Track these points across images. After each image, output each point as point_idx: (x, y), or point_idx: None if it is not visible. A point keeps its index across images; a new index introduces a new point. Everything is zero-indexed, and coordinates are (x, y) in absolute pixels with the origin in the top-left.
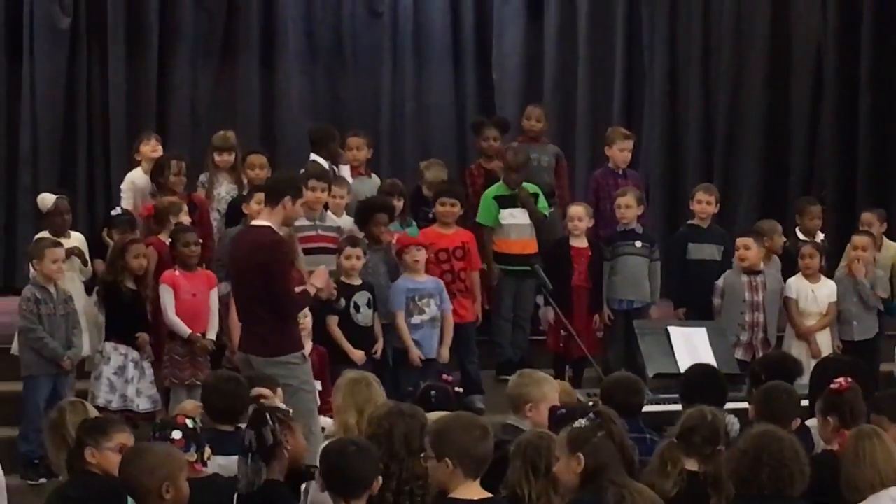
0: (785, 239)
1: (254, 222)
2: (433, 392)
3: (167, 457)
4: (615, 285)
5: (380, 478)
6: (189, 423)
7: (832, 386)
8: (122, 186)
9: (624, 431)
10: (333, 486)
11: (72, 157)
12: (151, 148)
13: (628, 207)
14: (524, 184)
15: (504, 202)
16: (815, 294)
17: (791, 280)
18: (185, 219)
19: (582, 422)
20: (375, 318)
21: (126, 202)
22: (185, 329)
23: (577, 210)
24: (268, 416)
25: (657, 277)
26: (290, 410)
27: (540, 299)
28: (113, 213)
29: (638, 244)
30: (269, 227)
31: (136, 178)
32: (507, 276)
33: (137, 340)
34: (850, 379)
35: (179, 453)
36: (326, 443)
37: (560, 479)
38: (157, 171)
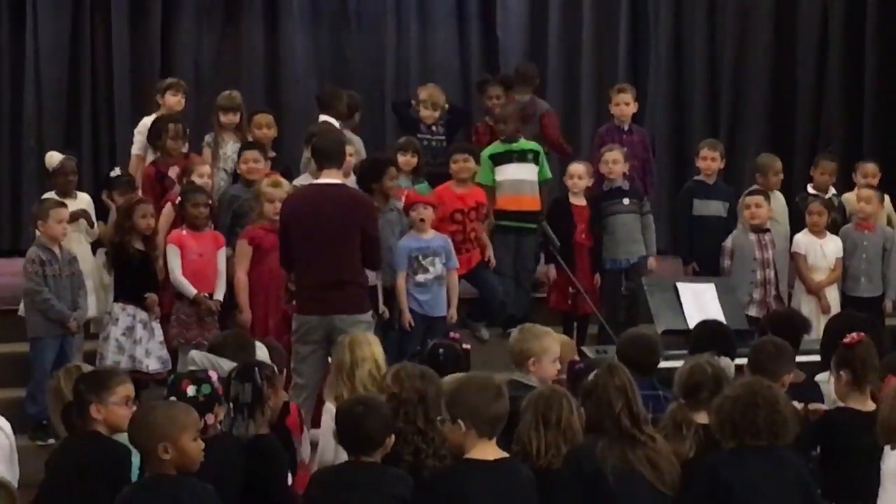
0: (799, 195)
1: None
2: (441, 350)
3: (166, 417)
4: (607, 245)
5: (392, 435)
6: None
7: (844, 341)
8: (136, 130)
9: (630, 383)
10: (345, 443)
11: (76, 118)
12: (177, 101)
13: (615, 163)
14: (524, 141)
15: (499, 159)
16: (824, 249)
17: (798, 236)
18: (199, 180)
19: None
20: (378, 278)
21: (137, 147)
22: (190, 289)
23: (577, 168)
24: (256, 372)
25: (650, 230)
26: (275, 367)
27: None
28: (112, 174)
29: (626, 201)
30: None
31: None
32: (502, 231)
33: (146, 301)
34: (861, 333)
35: (185, 414)
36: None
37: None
38: (154, 134)
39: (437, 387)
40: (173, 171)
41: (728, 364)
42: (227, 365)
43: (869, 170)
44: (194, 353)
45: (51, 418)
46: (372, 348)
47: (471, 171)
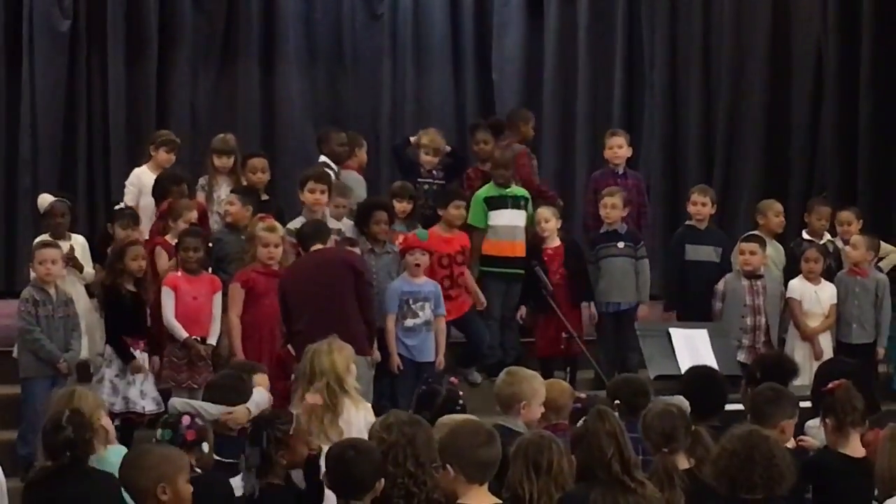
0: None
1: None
2: (438, 395)
3: (164, 458)
4: (601, 288)
5: (382, 479)
6: (198, 419)
7: (825, 388)
8: (127, 182)
9: (619, 427)
10: (335, 488)
11: (72, 159)
12: (168, 159)
13: (614, 208)
14: (514, 187)
15: (494, 203)
16: (818, 295)
17: (794, 282)
18: (184, 225)
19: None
20: None
21: (129, 198)
22: (182, 332)
23: (544, 212)
24: (264, 437)
25: (645, 275)
26: (291, 425)
27: None
28: (116, 207)
29: (621, 244)
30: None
31: (143, 174)
32: (495, 277)
33: (132, 363)
34: (842, 380)
35: (179, 455)
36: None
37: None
38: (159, 193)
39: (427, 431)
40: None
41: (683, 401)
42: (214, 409)
43: (843, 217)
44: (175, 401)
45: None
46: (333, 358)
47: (463, 219)
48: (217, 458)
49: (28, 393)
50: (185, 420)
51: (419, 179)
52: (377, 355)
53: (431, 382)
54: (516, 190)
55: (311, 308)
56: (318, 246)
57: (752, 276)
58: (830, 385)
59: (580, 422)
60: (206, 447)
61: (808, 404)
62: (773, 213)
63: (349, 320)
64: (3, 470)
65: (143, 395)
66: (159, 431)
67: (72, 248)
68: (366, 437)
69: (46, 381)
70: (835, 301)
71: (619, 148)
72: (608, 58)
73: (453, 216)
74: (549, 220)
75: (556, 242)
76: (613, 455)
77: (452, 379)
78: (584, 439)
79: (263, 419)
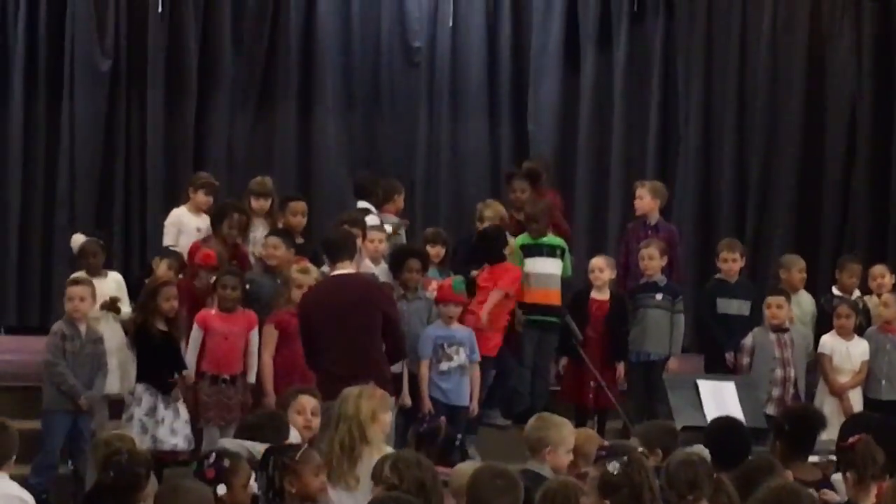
0: (823, 297)
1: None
2: (439, 434)
3: (202, 497)
4: (635, 337)
5: None
6: (225, 461)
7: (842, 444)
8: (167, 222)
9: (654, 479)
10: None
11: (109, 198)
12: (205, 201)
13: (651, 259)
14: (550, 236)
15: (528, 251)
16: (850, 351)
17: (825, 337)
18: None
19: (615, 465)
20: (404, 366)
21: (169, 238)
22: (192, 367)
23: (598, 262)
24: (271, 462)
25: (680, 329)
26: (299, 454)
27: None
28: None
29: (659, 296)
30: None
31: (182, 215)
32: (530, 325)
33: (172, 393)
34: (862, 434)
35: (210, 494)
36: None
37: None
38: (218, 216)
39: (434, 474)
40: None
41: (703, 450)
42: (261, 448)
43: (876, 271)
44: (225, 441)
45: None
46: (359, 404)
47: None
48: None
49: (48, 425)
50: (211, 457)
51: None
52: (408, 400)
53: (431, 421)
54: (552, 239)
55: (332, 341)
56: (346, 262)
57: (779, 329)
58: (851, 440)
59: (610, 466)
60: (221, 489)
61: (833, 458)
62: (797, 269)
63: (370, 361)
64: None
65: (175, 433)
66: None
67: (119, 284)
68: None
69: (67, 415)
70: (867, 357)
71: (639, 200)
72: (643, 110)
73: (511, 249)
74: (604, 270)
75: (606, 295)
76: None
77: (442, 418)
78: (623, 488)
79: (273, 447)
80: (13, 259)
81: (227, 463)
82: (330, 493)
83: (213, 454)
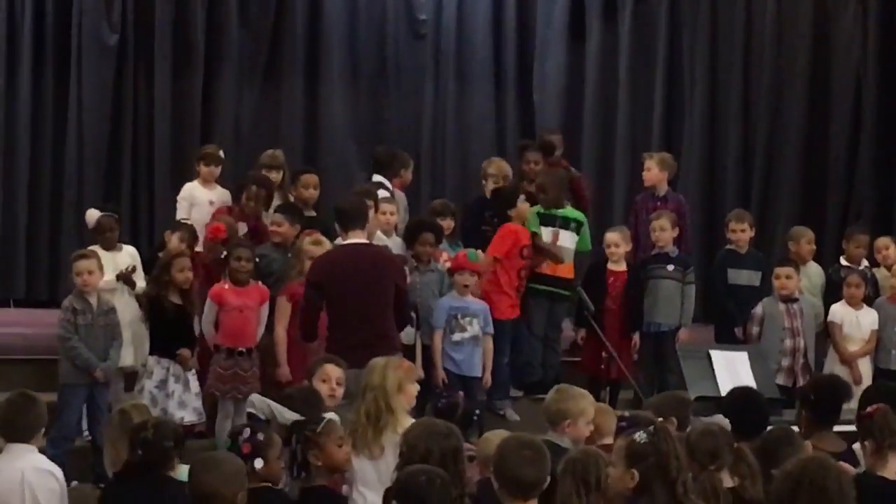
0: (832, 267)
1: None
2: (458, 408)
3: (241, 467)
4: (646, 308)
5: None
6: (259, 434)
7: (861, 413)
8: (179, 196)
9: (680, 448)
10: None
11: (116, 173)
12: (209, 172)
13: (662, 230)
14: (570, 209)
15: (544, 220)
16: (860, 320)
17: (835, 306)
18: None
19: (642, 435)
20: (417, 337)
21: (181, 212)
22: (212, 341)
23: (613, 237)
24: (294, 437)
25: (690, 300)
26: (321, 426)
27: (566, 321)
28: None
29: (670, 267)
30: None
31: (194, 189)
32: (539, 295)
33: (179, 356)
34: (880, 404)
35: (242, 464)
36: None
37: (611, 487)
38: (237, 190)
39: (460, 441)
40: (242, 228)
41: (723, 420)
42: (290, 415)
43: (881, 243)
44: (254, 397)
45: (106, 454)
46: (387, 373)
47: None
48: None
49: (64, 399)
50: (245, 433)
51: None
52: (420, 372)
53: (450, 395)
54: (568, 211)
55: (346, 309)
56: (359, 231)
57: (789, 299)
58: (869, 409)
59: (637, 436)
60: (258, 463)
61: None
62: (806, 240)
63: (381, 327)
64: (75, 476)
65: (183, 406)
66: (226, 440)
67: (133, 256)
68: None
69: (83, 388)
70: (876, 327)
71: (647, 171)
72: (648, 81)
73: (521, 211)
74: (619, 245)
75: (623, 266)
76: (679, 476)
77: (460, 393)
78: (650, 457)
79: (296, 421)
80: (21, 233)
81: (261, 437)
82: (353, 461)
83: (247, 430)
